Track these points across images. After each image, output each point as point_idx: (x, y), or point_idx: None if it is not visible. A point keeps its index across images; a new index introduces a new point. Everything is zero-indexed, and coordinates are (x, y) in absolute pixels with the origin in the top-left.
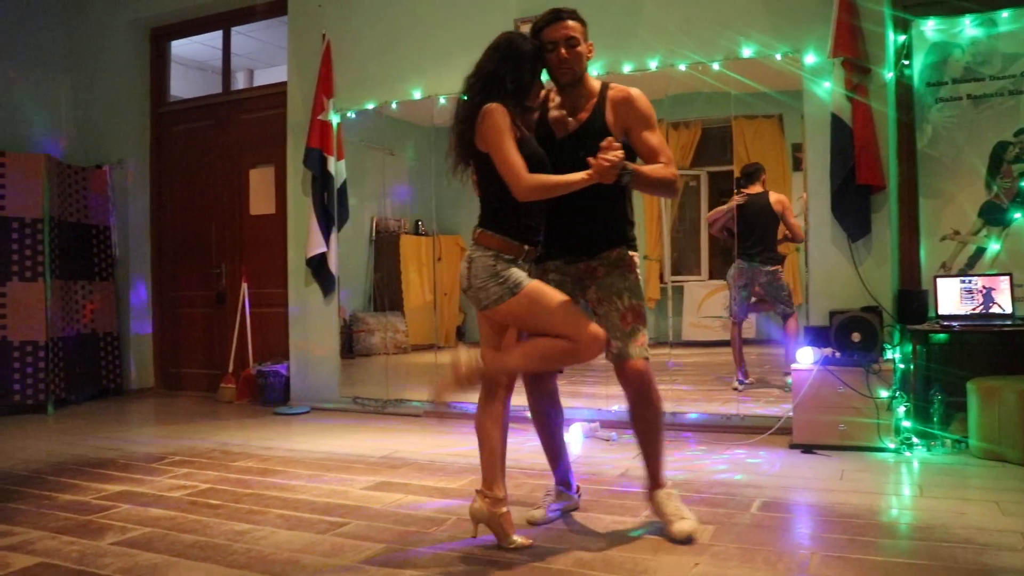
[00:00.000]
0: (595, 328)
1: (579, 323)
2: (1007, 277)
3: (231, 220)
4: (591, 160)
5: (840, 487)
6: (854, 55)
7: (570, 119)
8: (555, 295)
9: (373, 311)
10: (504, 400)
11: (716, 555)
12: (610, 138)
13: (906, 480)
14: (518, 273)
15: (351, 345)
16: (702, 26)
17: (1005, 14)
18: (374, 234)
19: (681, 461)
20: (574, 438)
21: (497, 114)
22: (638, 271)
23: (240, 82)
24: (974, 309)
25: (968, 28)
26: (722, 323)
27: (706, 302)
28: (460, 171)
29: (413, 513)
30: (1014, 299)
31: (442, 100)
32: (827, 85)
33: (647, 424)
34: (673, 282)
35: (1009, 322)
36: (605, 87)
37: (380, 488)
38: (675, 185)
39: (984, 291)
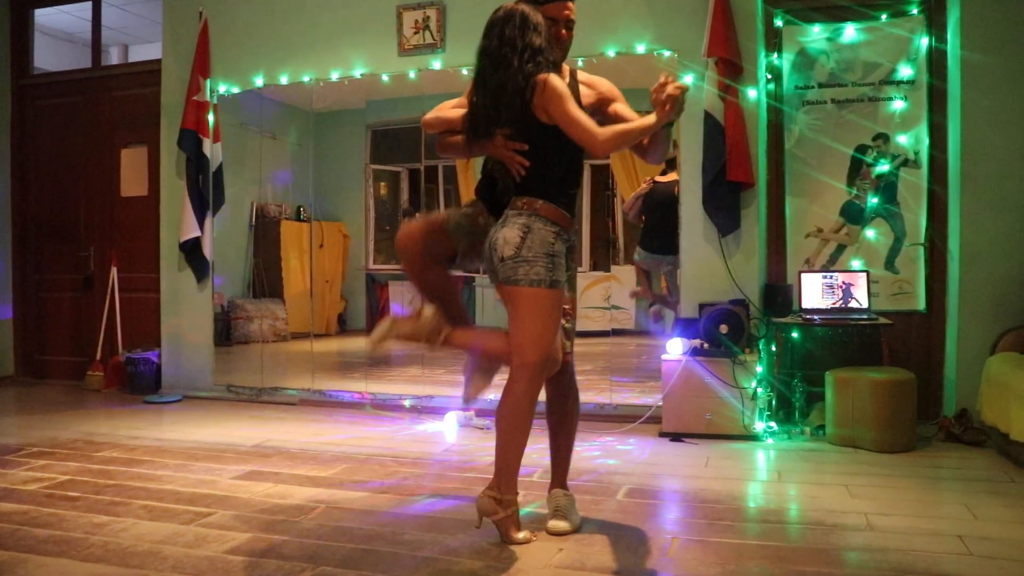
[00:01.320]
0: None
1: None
2: (864, 274)
3: (101, 201)
4: (663, 96)
5: (704, 474)
6: (728, 55)
7: None
8: (559, 315)
9: (252, 298)
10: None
11: (580, 541)
12: (664, 72)
13: (766, 467)
14: (563, 267)
15: (229, 332)
16: (581, 21)
17: (866, 26)
18: (254, 219)
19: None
20: (448, 427)
21: (556, 81)
22: None
23: (114, 57)
24: (834, 303)
25: (834, 36)
26: (601, 313)
27: (587, 293)
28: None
29: (281, 503)
30: (870, 294)
31: (321, 85)
32: (701, 84)
33: (572, 417)
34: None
35: (865, 316)
36: (573, 71)
37: (249, 478)
38: None
39: (844, 287)
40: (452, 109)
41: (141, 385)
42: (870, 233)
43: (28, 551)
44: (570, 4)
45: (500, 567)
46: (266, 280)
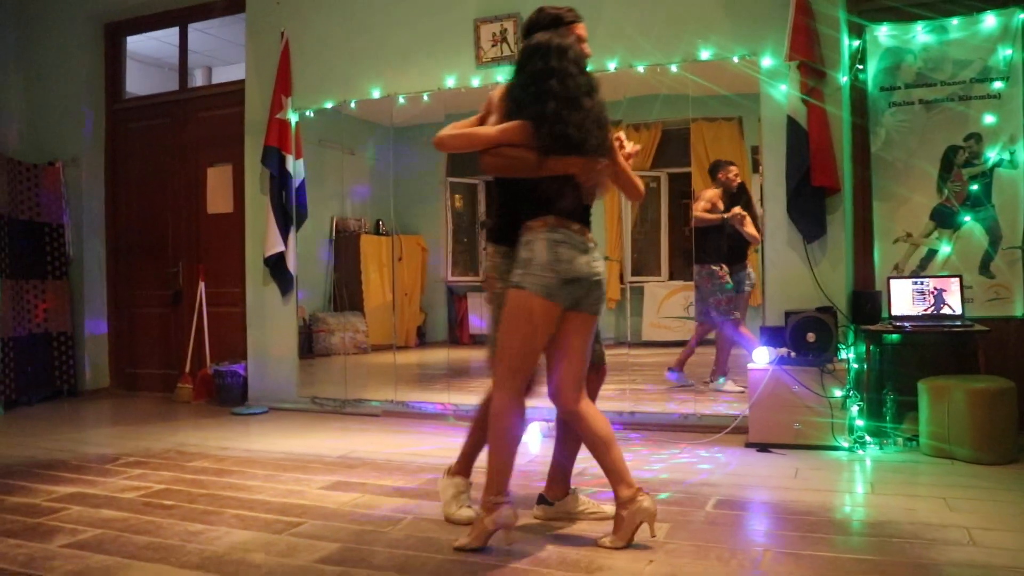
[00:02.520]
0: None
1: None
2: (957, 279)
3: (188, 219)
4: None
5: (794, 485)
6: (810, 58)
7: None
8: None
9: (333, 311)
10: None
11: (670, 552)
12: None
13: (858, 478)
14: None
15: (311, 345)
16: (660, 28)
17: (955, 21)
18: (334, 234)
19: (639, 460)
20: (531, 436)
21: None
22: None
23: (198, 79)
24: (926, 310)
25: (920, 34)
26: (680, 323)
27: (666, 303)
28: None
29: (369, 513)
30: (963, 300)
31: (401, 100)
32: (783, 88)
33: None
34: (633, 283)
35: (959, 323)
36: None
37: (337, 488)
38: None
39: (935, 292)
40: (479, 127)
41: (229, 397)
42: (963, 237)
43: (130, 557)
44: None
45: None
46: (346, 293)
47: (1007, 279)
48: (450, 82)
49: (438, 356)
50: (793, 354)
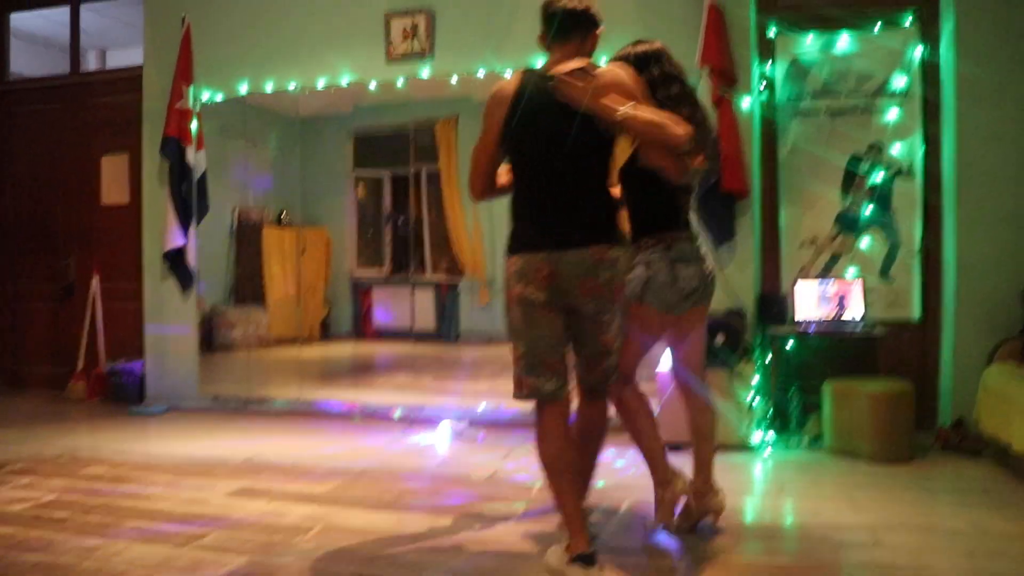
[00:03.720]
0: None
1: None
2: (859, 283)
3: (80, 210)
4: None
5: None
6: (721, 65)
7: None
8: None
9: (234, 304)
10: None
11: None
12: None
13: (767, 479)
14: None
15: (211, 339)
16: None
17: (860, 34)
18: (236, 225)
19: None
20: (440, 437)
21: None
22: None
23: (91, 62)
24: (830, 313)
25: (827, 45)
26: None
27: None
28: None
29: (277, 522)
30: (865, 304)
31: (320, 85)
32: None
33: None
34: None
35: (860, 327)
36: None
37: (242, 495)
38: None
39: (839, 296)
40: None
41: (125, 396)
42: (865, 242)
43: None
44: None
45: None
46: (248, 286)
47: (905, 284)
48: (358, 76)
49: (343, 351)
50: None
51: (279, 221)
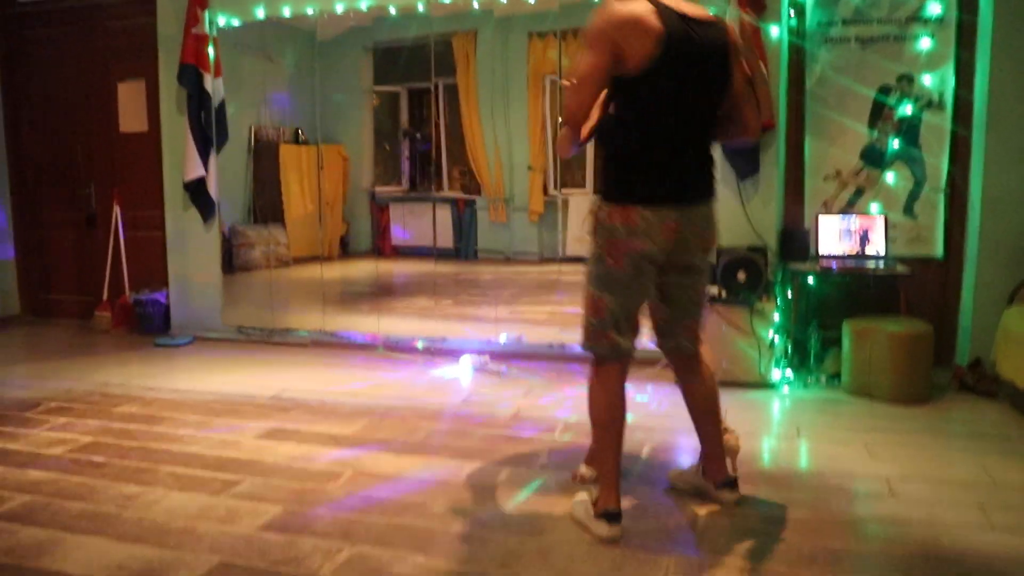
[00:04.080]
0: None
1: None
2: (882, 218)
3: (99, 138)
4: None
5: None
6: None
7: None
8: None
9: (253, 223)
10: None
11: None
12: None
13: (785, 420)
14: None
15: (231, 260)
16: None
17: None
18: (253, 143)
19: (571, 399)
20: (463, 372)
21: None
22: (603, 232)
23: None
24: (852, 248)
25: None
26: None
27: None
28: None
29: (308, 467)
30: (887, 240)
31: (339, 9)
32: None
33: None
34: (562, 194)
35: (882, 263)
36: None
37: (272, 436)
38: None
39: (861, 231)
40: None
41: (150, 326)
42: (890, 177)
43: (64, 529)
44: None
45: (534, 544)
46: (266, 205)
47: (929, 220)
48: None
49: (362, 270)
50: (724, 293)
51: (296, 139)
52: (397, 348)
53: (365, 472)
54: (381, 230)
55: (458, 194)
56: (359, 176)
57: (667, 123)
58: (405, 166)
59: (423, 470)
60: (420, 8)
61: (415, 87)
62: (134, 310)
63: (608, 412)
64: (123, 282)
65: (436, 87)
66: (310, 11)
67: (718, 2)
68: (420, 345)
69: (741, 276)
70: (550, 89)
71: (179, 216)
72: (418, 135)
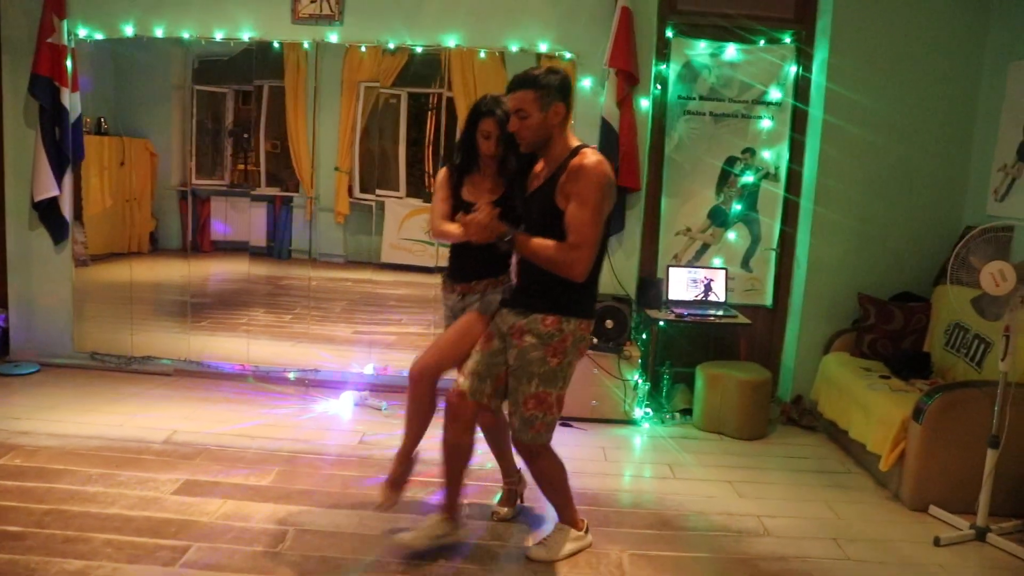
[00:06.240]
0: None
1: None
2: (723, 271)
3: None
4: (460, 216)
5: (607, 469)
6: (628, 68)
7: (536, 177)
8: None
9: None
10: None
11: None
12: (484, 200)
13: (657, 458)
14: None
15: None
16: (493, 12)
17: (747, 47)
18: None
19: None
20: (344, 407)
21: (439, 172)
22: (570, 347)
23: None
24: (697, 296)
25: (716, 53)
26: (422, 247)
27: (406, 223)
28: None
29: (249, 527)
30: (727, 289)
31: (218, 37)
32: (587, 84)
33: (544, 491)
34: (374, 197)
35: (722, 311)
36: (575, 152)
37: (191, 491)
38: (563, 266)
39: (705, 281)
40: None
41: None
42: (731, 235)
43: None
44: (514, 94)
45: None
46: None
47: (762, 274)
48: (260, 33)
49: (177, 270)
50: (595, 339)
51: (99, 128)
52: (268, 379)
53: (306, 530)
54: (201, 224)
55: (276, 191)
56: (169, 172)
57: (600, 250)
58: (228, 162)
59: (360, 524)
60: (305, 45)
61: (240, 88)
62: None
63: (561, 471)
64: None
65: (263, 87)
66: (186, 35)
67: (600, 73)
68: (292, 376)
69: (609, 323)
70: (363, 95)
71: (23, 235)
72: (245, 135)
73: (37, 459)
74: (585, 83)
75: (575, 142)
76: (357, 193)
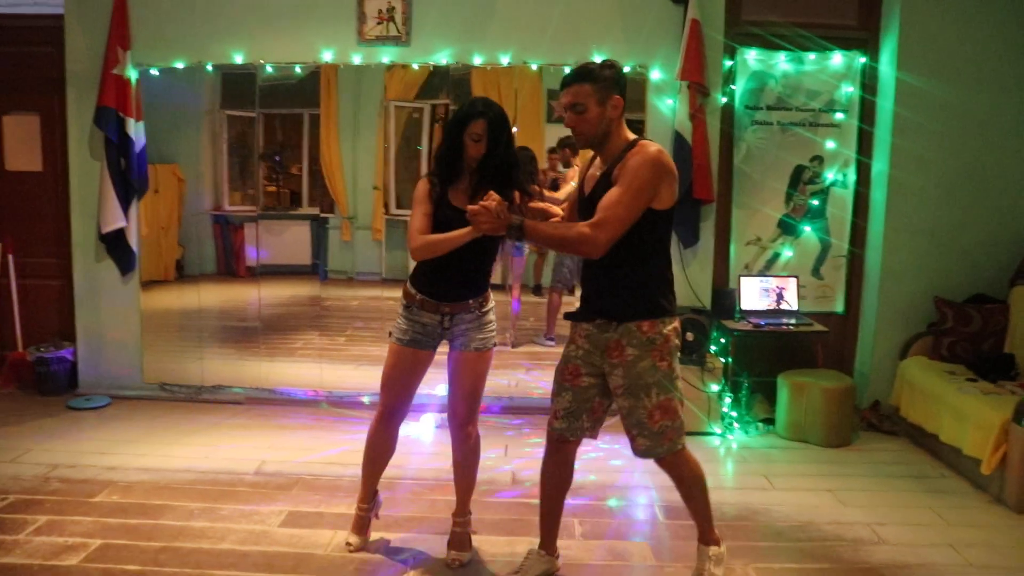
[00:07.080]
0: (386, 404)
1: (386, 393)
2: (794, 279)
3: None
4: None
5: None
6: (700, 81)
7: (591, 179)
8: (391, 363)
9: None
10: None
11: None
12: (490, 191)
13: (752, 470)
14: (401, 325)
15: None
16: (556, 29)
17: (811, 56)
18: None
19: (528, 457)
20: (425, 429)
21: (417, 185)
22: (674, 347)
23: None
24: (769, 305)
25: (782, 63)
26: None
27: None
28: None
29: (369, 558)
30: (799, 297)
31: (269, 69)
32: (669, 102)
33: (686, 497)
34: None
35: (796, 320)
36: (632, 144)
37: (299, 523)
38: (578, 243)
39: (777, 290)
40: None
41: (52, 386)
42: (801, 243)
43: None
44: (572, 88)
45: None
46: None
47: (833, 281)
48: (327, 56)
49: (209, 296)
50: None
51: None
52: (342, 404)
53: (425, 568)
54: (235, 249)
55: (316, 211)
56: (198, 198)
57: (667, 245)
58: (261, 185)
59: (478, 558)
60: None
61: (275, 112)
62: (34, 368)
63: (703, 475)
64: (15, 336)
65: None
66: (238, 59)
67: (673, 86)
68: (367, 400)
69: (689, 336)
70: (394, 114)
71: (91, 268)
72: (277, 157)
73: (133, 494)
74: (655, 96)
75: (631, 136)
76: (393, 210)
